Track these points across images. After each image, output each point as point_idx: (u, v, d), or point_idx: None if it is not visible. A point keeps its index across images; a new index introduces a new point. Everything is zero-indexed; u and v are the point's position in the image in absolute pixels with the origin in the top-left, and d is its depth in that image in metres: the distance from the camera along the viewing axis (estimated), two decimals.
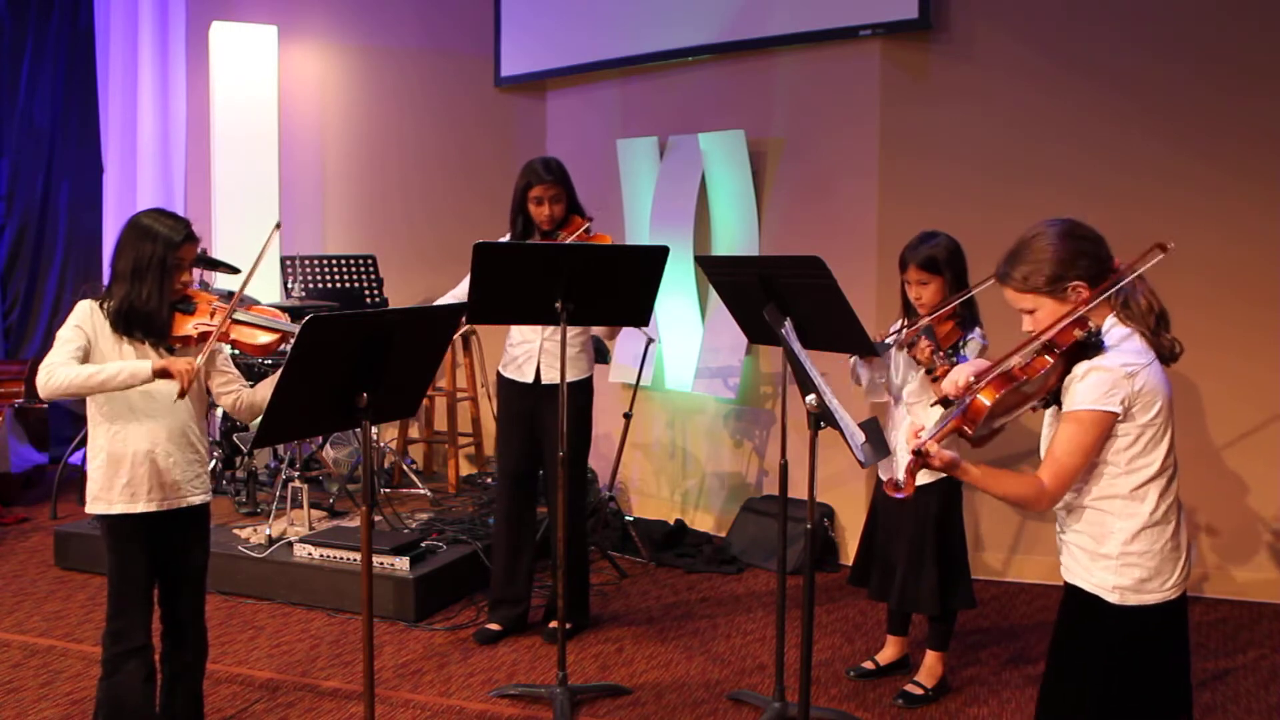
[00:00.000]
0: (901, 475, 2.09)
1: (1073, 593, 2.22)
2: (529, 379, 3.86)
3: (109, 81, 6.81)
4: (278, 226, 2.84)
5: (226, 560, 4.38)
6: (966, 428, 2.10)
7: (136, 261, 2.63)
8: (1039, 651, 3.68)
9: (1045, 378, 2.10)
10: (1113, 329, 2.12)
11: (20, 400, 5.83)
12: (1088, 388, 2.07)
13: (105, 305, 2.67)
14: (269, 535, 4.50)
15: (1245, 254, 4.26)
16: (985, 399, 2.06)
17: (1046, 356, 2.08)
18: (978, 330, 3.32)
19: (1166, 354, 2.13)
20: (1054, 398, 2.16)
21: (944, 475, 3.31)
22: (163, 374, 2.58)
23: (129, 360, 2.61)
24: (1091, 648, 2.18)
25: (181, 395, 2.60)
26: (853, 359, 3.49)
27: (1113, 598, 2.13)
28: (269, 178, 6.23)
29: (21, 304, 7.01)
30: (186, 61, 6.59)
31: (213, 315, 2.73)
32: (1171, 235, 2.24)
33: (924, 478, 3.35)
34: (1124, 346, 2.09)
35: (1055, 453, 2.12)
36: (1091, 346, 2.08)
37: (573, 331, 3.84)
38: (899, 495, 2.11)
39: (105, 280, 2.74)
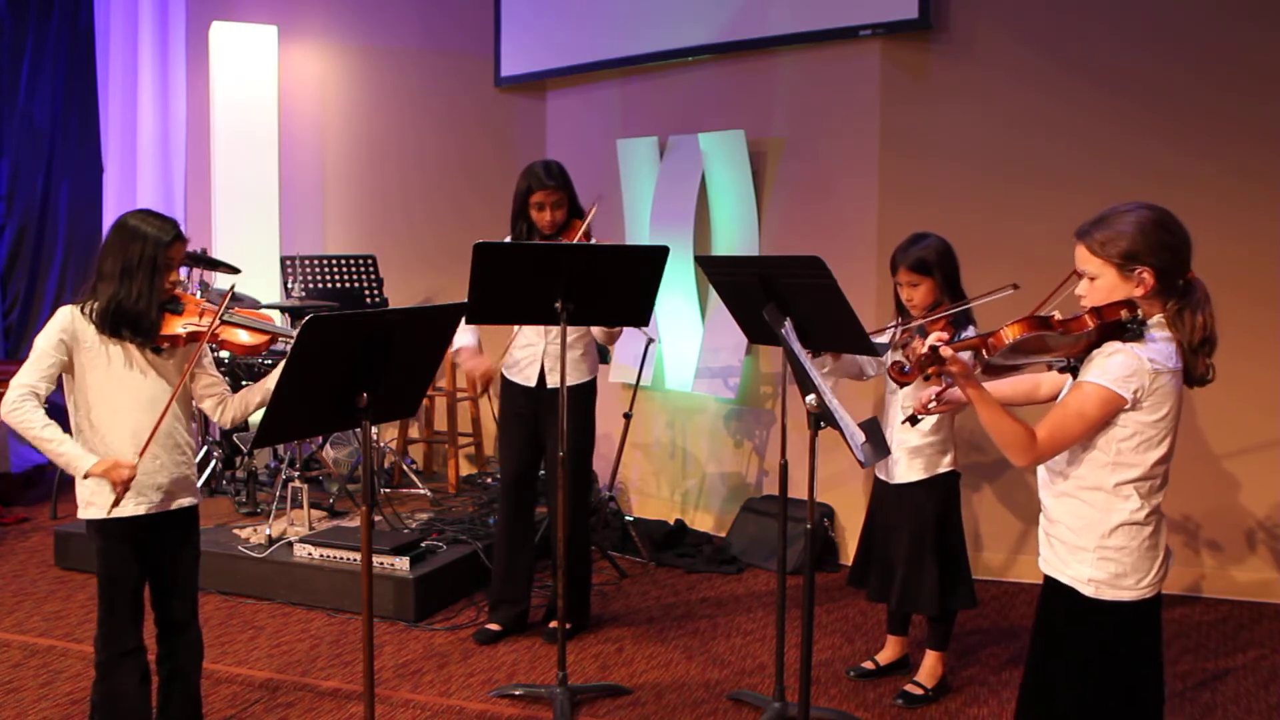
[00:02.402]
0: (909, 367, 2.19)
1: (1050, 585, 2.25)
2: (532, 383, 3.86)
3: (109, 81, 6.81)
4: (237, 274, 2.85)
5: (226, 560, 4.38)
6: (984, 351, 2.14)
7: (125, 261, 2.62)
8: None
9: (1076, 340, 2.12)
10: (1156, 328, 2.13)
11: None
12: (1109, 366, 2.09)
13: (88, 307, 2.65)
14: (269, 535, 4.50)
15: (1245, 254, 4.26)
16: (1009, 333, 2.10)
17: (1089, 320, 2.10)
18: (971, 329, 3.32)
19: (1195, 376, 2.14)
20: (1072, 367, 2.18)
21: (943, 473, 3.38)
22: (96, 475, 2.55)
23: (78, 452, 2.57)
24: (1067, 640, 2.20)
25: (114, 506, 2.59)
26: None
27: (1088, 590, 2.15)
28: (269, 178, 6.23)
29: (21, 304, 7.01)
30: (186, 61, 6.59)
31: (201, 316, 2.73)
32: None
33: (923, 474, 3.39)
34: (1159, 346, 2.10)
35: (1056, 415, 2.14)
36: (1130, 331, 2.10)
37: (576, 333, 3.85)
38: (902, 379, 2.17)
39: None
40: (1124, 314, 2.09)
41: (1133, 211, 2.14)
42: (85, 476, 2.56)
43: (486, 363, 3.90)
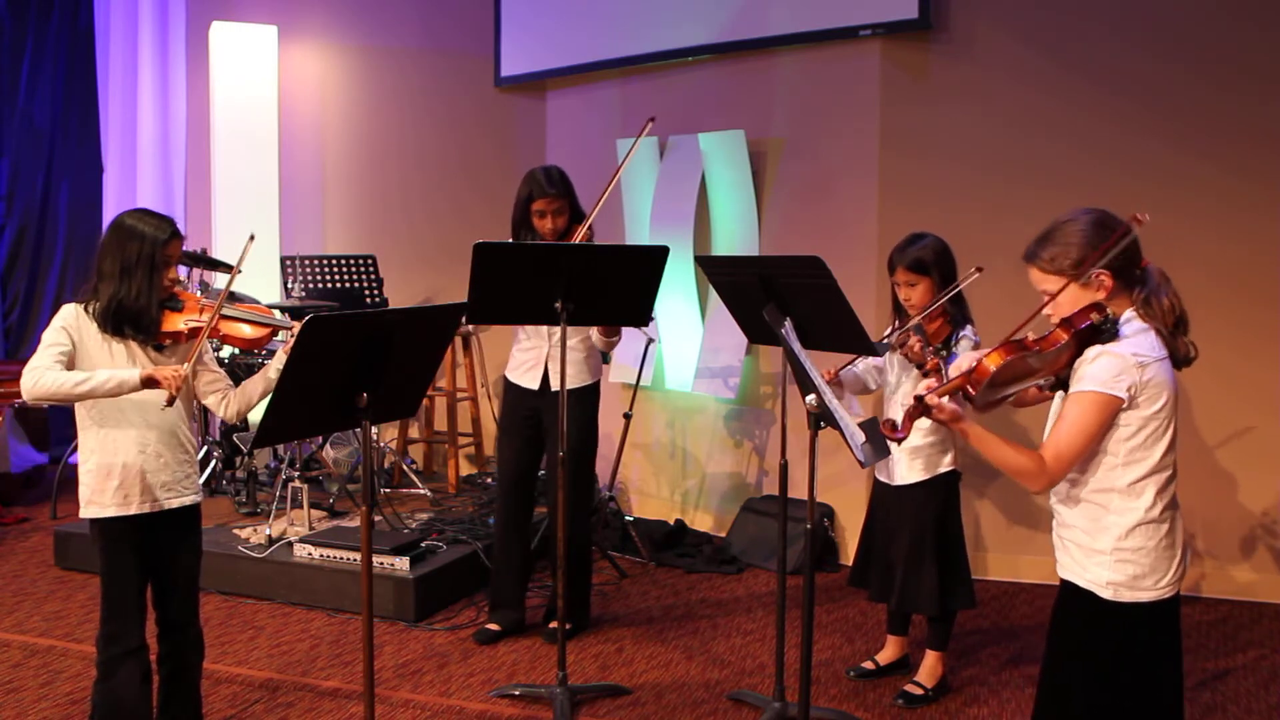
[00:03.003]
0: (900, 419, 2.15)
1: (1068, 588, 2.23)
2: (535, 385, 3.85)
3: (109, 81, 6.81)
4: (251, 238, 2.86)
5: (226, 560, 4.38)
6: (970, 387, 2.12)
7: (124, 260, 2.64)
8: (1039, 652, 3.65)
9: (1056, 355, 2.11)
10: (1131, 322, 2.13)
11: (20, 400, 5.83)
12: (1096, 370, 2.08)
13: (90, 306, 2.67)
14: (269, 535, 4.50)
15: (1244, 254, 4.26)
16: (990, 362, 2.09)
17: (1062, 333, 2.10)
18: (969, 327, 3.33)
19: (1180, 357, 2.14)
20: (1061, 383, 2.18)
21: (943, 472, 3.38)
22: (149, 382, 2.58)
23: (117, 369, 2.61)
24: (1085, 643, 2.19)
25: (170, 403, 2.61)
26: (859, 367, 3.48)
27: (1106, 593, 2.14)
28: (269, 178, 6.23)
29: (21, 304, 7.02)
30: (186, 61, 6.59)
31: (201, 312, 2.74)
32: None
33: (923, 474, 3.39)
34: (1139, 339, 2.11)
35: (1058, 433, 2.13)
36: (1106, 333, 2.10)
37: (579, 335, 3.85)
38: (896, 437, 2.15)
39: None
40: (1095, 317, 2.09)
41: (1072, 220, 2.16)
42: (142, 384, 2.57)
43: None
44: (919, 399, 2.14)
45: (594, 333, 3.83)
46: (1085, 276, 2.12)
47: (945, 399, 2.13)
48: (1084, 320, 2.09)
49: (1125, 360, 2.07)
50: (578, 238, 3.64)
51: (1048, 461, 2.11)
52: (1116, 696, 2.14)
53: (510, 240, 3.83)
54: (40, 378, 2.56)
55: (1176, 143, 4.35)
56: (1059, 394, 2.20)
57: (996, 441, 2.14)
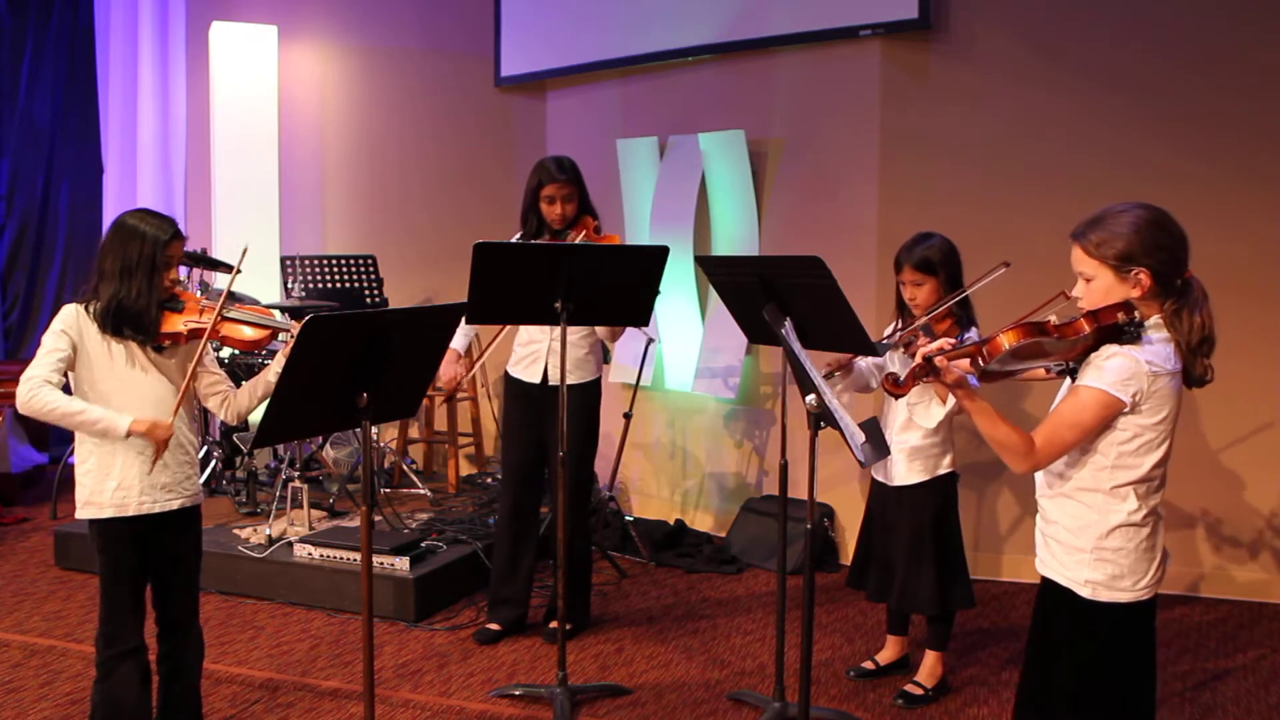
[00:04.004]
0: (903, 374, 2.15)
1: (1047, 586, 2.24)
2: (536, 379, 3.86)
3: (109, 81, 6.81)
4: (245, 251, 2.87)
5: (226, 560, 4.38)
6: (981, 358, 2.12)
7: (125, 260, 2.64)
8: None
9: (1073, 344, 2.11)
10: (1153, 329, 2.12)
11: None
12: (1107, 370, 2.08)
13: (91, 306, 2.67)
14: (269, 535, 4.50)
15: (1245, 254, 4.26)
16: (1006, 339, 2.08)
17: (1085, 324, 2.09)
18: (974, 330, 3.33)
19: (1194, 377, 2.13)
20: (1070, 371, 2.17)
21: (942, 474, 3.38)
22: (138, 434, 2.61)
23: (111, 413, 2.61)
24: (1063, 641, 2.20)
25: (154, 465, 2.64)
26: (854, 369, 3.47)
27: (1085, 591, 2.15)
28: (269, 178, 6.23)
29: (21, 304, 7.02)
30: (186, 61, 6.59)
31: (201, 313, 2.74)
32: None
33: (923, 476, 3.39)
34: (1157, 348, 2.09)
35: (1054, 420, 2.13)
36: (1128, 334, 2.08)
37: (581, 332, 3.85)
38: (897, 391, 2.15)
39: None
40: (1121, 317, 2.08)
41: (1128, 212, 2.13)
42: (128, 435, 2.59)
43: (456, 371, 3.93)
44: (928, 359, 2.13)
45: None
46: (1125, 270, 2.10)
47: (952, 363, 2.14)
48: (1110, 318, 2.08)
49: (1138, 365, 2.06)
50: (584, 231, 3.65)
51: (1038, 445, 2.12)
52: (1094, 695, 2.15)
53: (519, 229, 3.84)
54: (35, 395, 2.57)
55: (1176, 143, 4.35)
56: (1066, 380, 2.20)
57: (992, 414, 2.13)
